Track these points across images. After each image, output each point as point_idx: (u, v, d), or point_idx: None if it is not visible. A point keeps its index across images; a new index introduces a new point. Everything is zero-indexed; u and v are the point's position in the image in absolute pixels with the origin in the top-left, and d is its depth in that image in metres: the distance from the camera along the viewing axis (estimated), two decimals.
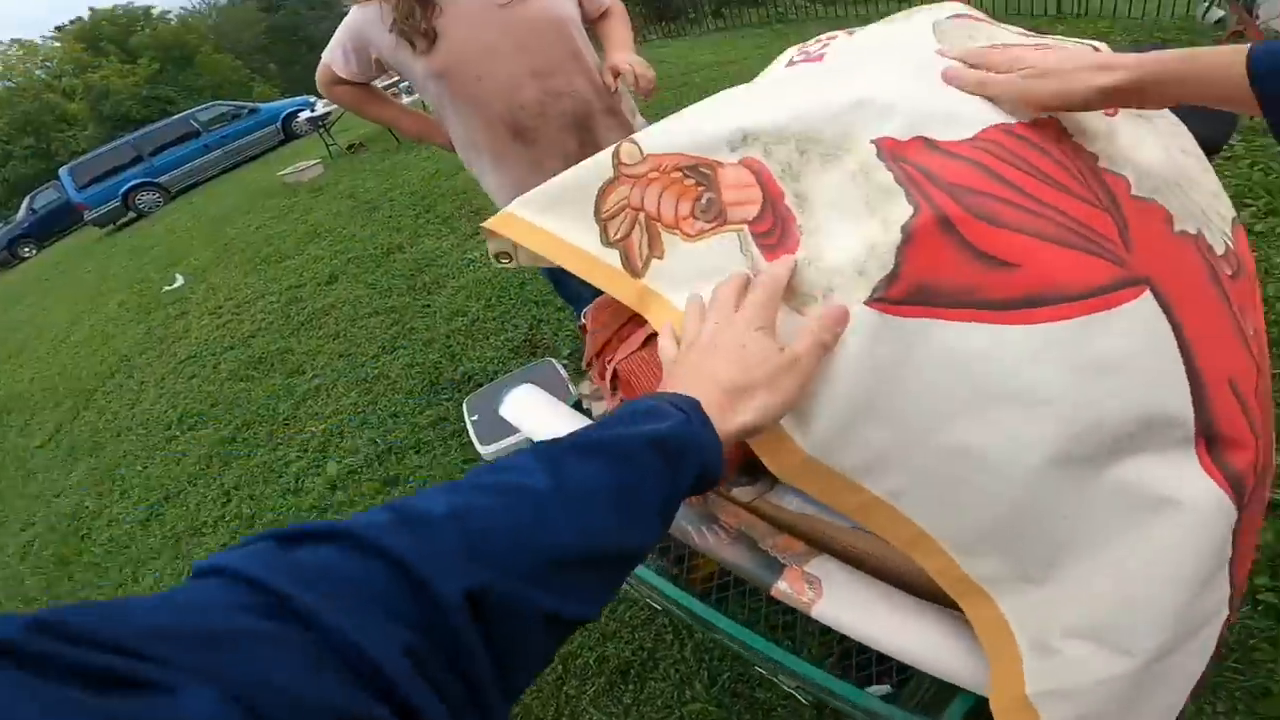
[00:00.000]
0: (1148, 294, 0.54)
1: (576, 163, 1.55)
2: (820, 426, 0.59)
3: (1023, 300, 0.54)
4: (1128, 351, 0.53)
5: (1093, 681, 0.55)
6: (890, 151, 0.61)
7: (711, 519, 0.86)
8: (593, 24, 1.70)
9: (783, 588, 0.74)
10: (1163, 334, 0.53)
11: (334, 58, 1.58)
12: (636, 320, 1.00)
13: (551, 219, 0.83)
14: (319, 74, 1.64)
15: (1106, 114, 0.74)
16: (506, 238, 0.85)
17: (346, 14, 1.54)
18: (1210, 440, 0.54)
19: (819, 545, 0.81)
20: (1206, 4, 5.56)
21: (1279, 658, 1.26)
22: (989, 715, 0.63)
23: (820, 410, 0.58)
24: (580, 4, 1.62)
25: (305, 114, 11.45)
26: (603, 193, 0.79)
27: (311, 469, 2.61)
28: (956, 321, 0.55)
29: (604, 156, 0.80)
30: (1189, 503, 0.53)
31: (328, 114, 9.64)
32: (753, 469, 0.85)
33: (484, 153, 1.63)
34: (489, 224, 0.89)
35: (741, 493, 0.86)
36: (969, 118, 0.62)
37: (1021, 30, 1.01)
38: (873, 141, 0.62)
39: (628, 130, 1.65)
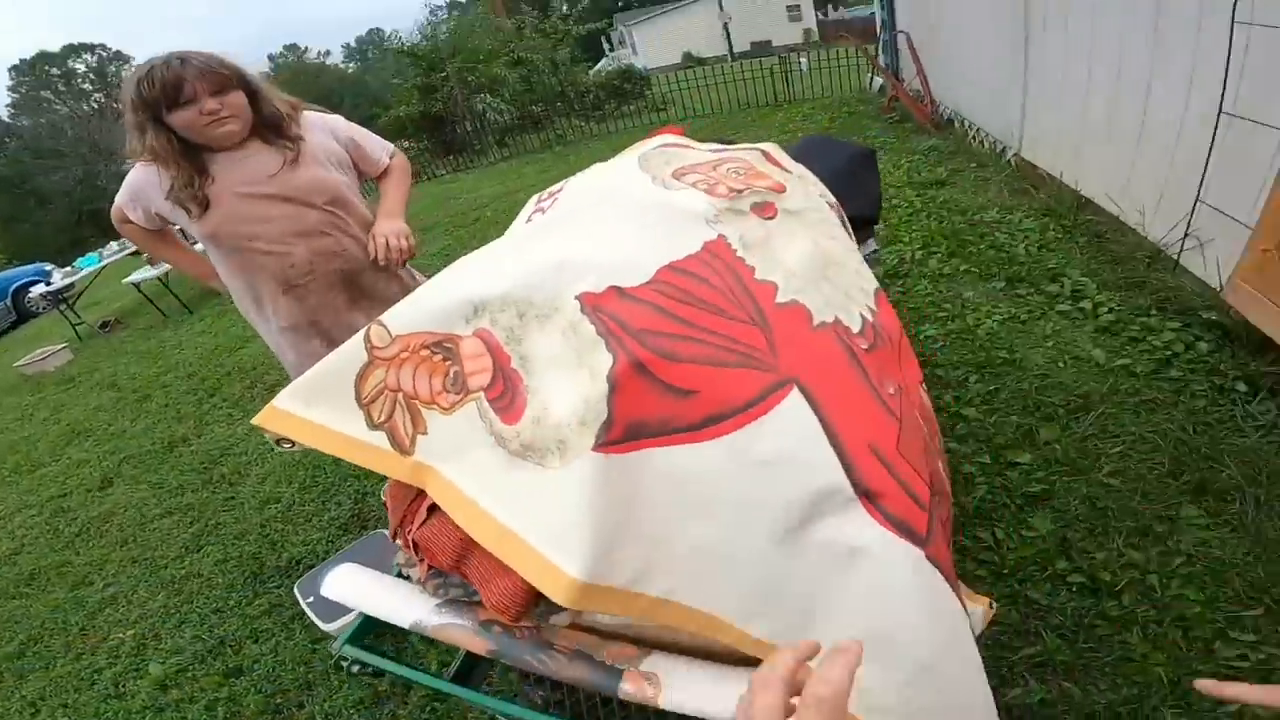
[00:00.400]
0: (794, 391, 0.67)
1: (348, 316, 1.55)
2: (585, 556, 0.65)
3: (704, 421, 0.65)
4: (783, 445, 0.65)
5: (895, 698, 0.66)
6: (591, 305, 0.73)
7: (546, 645, 0.88)
8: (374, 182, 1.80)
9: (627, 689, 0.77)
10: (808, 422, 0.66)
11: (123, 201, 1.61)
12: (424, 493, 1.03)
13: (317, 410, 0.84)
14: (113, 211, 1.65)
15: (765, 217, 0.95)
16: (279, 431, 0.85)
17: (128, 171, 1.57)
18: (868, 496, 0.66)
19: (647, 645, 0.87)
20: (870, 76, 7.11)
21: (1116, 630, 1.45)
22: None
23: (579, 545, 0.65)
24: (355, 166, 1.70)
25: (41, 287, 9.00)
26: (360, 377, 0.83)
27: (130, 672, 2.32)
28: (664, 447, 0.65)
29: (357, 341, 0.84)
30: (871, 546, 0.65)
31: (70, 286, 7.77)
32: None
33: (259, 306, 1.67)
34: (258, 420, 0.88)
35: (559, 618, 0.89)
36: (646, 264, 0.77)
37: (715, 146, 1.25)
38: (576, 298, 0.74)
39: (402, 285, 1.74)
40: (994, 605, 1.14)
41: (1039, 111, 3.56)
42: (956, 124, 5.09)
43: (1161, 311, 2.29)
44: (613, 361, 0.67)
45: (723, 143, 1.34)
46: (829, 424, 0.66)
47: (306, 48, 60.49)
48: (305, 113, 1.63)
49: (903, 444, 0.71)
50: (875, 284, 0.98)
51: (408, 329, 0.81)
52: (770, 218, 0.92)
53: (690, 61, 26.64)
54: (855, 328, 0.83)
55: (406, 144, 12.05)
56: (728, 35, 27.44)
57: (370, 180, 1.80)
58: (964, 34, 4.68)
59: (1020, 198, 3.52)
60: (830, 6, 30.12)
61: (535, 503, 0.68)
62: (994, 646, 1.43)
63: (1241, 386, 1.92)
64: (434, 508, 0.85)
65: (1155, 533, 1.58)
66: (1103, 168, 2.91)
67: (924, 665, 0.65)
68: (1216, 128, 2.12)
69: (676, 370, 0.67)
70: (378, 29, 60.36)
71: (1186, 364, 2.07)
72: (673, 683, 0.76)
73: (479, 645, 0.80)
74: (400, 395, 0.80)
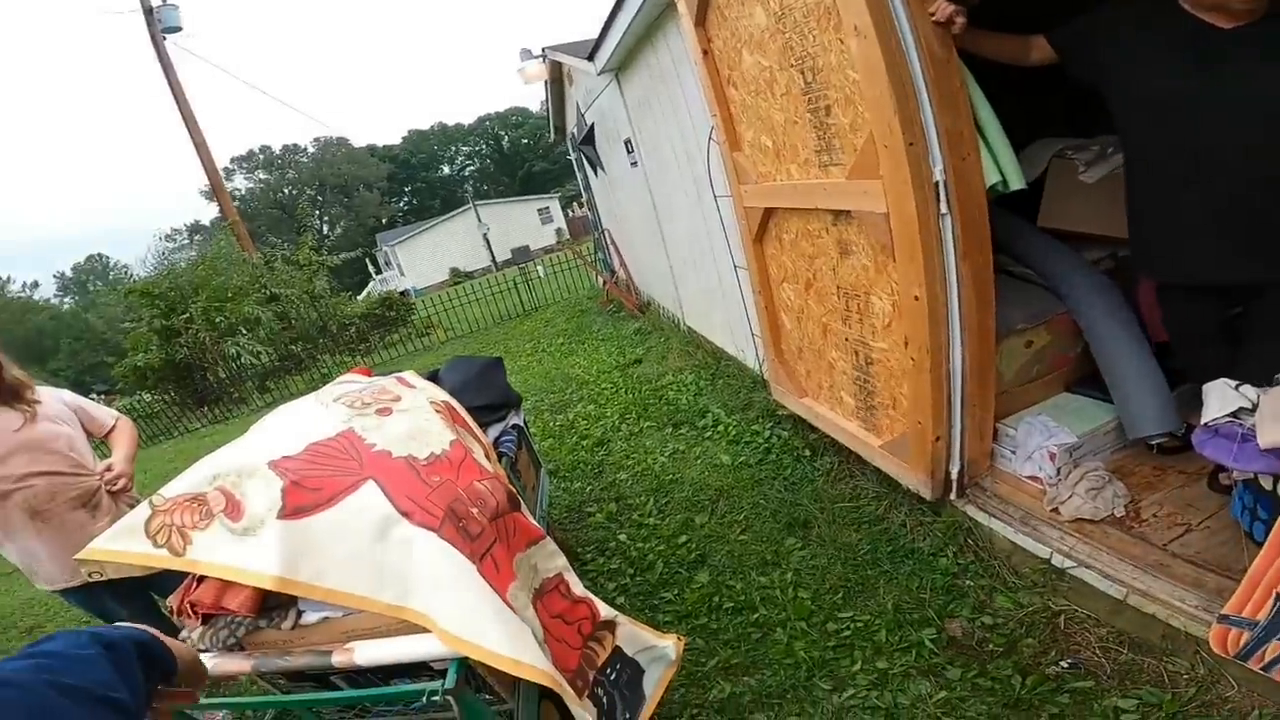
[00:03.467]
0: (370, 481, 1.49)
1: (90, 528, 2.12)
2: (278, 566, 1.33)
3: (330, 499, 1.44)
4: (366, 501, 1.44)
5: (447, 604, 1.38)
6: (272, 465, 1.50)
7: (285, 653, 1.47)
8: (104, 439, 2.40)
9: (336, 660, 1.38)
10: (375, 491, 1.46)
11: None
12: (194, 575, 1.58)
13: (121, 544, 1.45)
14: None
15: (382, 415, 1.82)
16: (95, 560, 1.44)
17: None
18: (405, 515, 1.44)
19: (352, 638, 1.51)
20: (597, 275, 9.00)
21: (764, 632, 2.35)
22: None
23: (276, 561, 1.34)
24: (83, 426, 2.30)
25: None
26: (148, 522, 1.46)
27: None
28: (315, 514, 1.41)
29: (143, 506, 1.49)
30: (412, 536, 1.41)
31: None
32: (268, 607, 1.50)
33: (10, 533, 2.13)
34: (82, 555, 1.45)
35: (286, 626, 1.50)
36: (300, 443, 1.58)
37: (372, 379, 2.15)
38: (266, 463, 1.50)
39: (131, 501, 2.31)
40: (682, 638, 1.93)
41: (683, 287, 5.23)
42: (652, 304, 6.83)
43: (762, 418, 3.61)
44: (283, 483, 1.46)
45: (392, 374, 2.25)
46: (386, 490, 1.48)
47: (9, 277, 52.82)
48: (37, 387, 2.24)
49: (430, 497, 1.51)
50: (451, 438, 1.81)
51: (176, 493, 1.50)
52: (386, 415, 1.80)
53: (458, 276, 29.19)
54: (422, 457, 1.66)
55: (149, 397, 11.16)
56: (489, 245, 30.70)
57: (99, 440, 2.40)
58: (634, 228, 6.49)
59: (688, 358, 5.01)
60: (575, 204, 35.11)
61: (254, 552, 1.37)
62: (691, 664, 2.13)
63: (808, 452, 3.15)
64: (200, 579, 1.48)
65: (772, 562, 2.51)
66: (719, 324, 4.47)
67: (449, 582, 1.38)
68: (738, 279, 3.58)
69: (312, 481, 1.48)
70: (99, 255, 55.48)
71: (778, 448, 3.30)
72: (361, 649, 1.40)
73: (245, 667, 1.42)
74: (174, 527, 1.46)
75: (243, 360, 11.05)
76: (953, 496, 2.22)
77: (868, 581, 2.23)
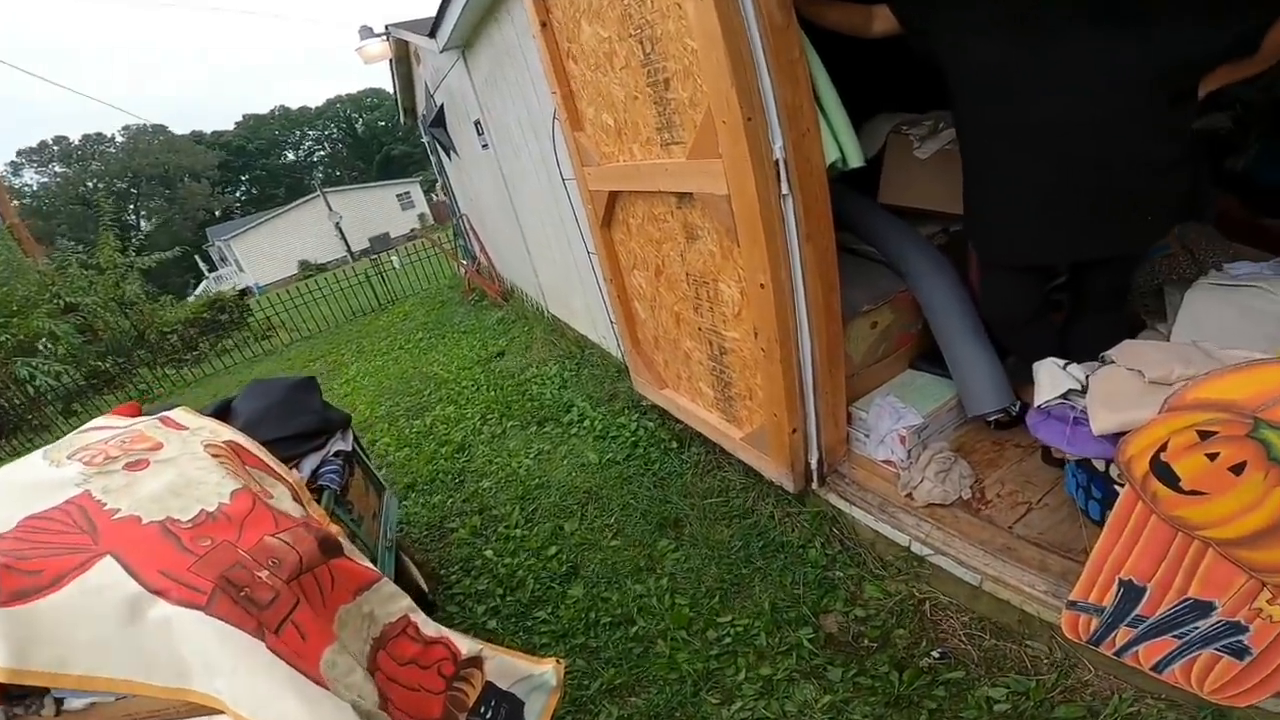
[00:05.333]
0: (108, 556, 1.19)
1: None
2: (6, 656, 1.06)
3: (54, 580, 1.13)
4: (104, 580, 1.16)
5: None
6: None
7: None
8: None
9: None
10: (115, 567, 1.18)
11: None
12: None
13: None
14: None
15: (135, 470, 1.44)
16: None
17: None
18: (159, 593, 1.17)
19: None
20: (458, 262, 8.49)
21: (646, 646, 2.23)
22: None
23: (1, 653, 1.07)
24: None
25: None
26: None
27: None
28: (41, 599, 1.11)
29: None
30: (170, 616, 1.15)
31: None
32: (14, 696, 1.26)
33: None
34: None
35: (47, 714, 1.25)
36: (11, 519, 1.23)
37: (130, 422, 1.72)
38: None
39: None
40: (561, 661, 1.71)
41: (543, 274, 4.98)
42: (515, 291, 6.52)
43: (628, 409, 3.46)
44: None
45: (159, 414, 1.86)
46: (129, 565, 1.20)
47: None
48: None
49: (193, 568, 1.24)
50: (233, 487, 1.49)
51: None
52: (139, 470, 1.45)
53: (308, 270, 26.84)
54: (187, 518, 1.35)
55: None
56: (342, 235, 28.51)
57: None
58: (490, 213, 6.13)
59: (552, 348, 4.77)
60: (439, 188, 33.54)
61: None
62: (574, 687, 1.98)
63: (675, 444, 3.04)
64: None
65: (647, 568, 2.38)
66: (580, 311, 4.27)
67: (229, 667, 1.15)
68: (593, 265, 3.40)
69: (28, 564, 1.16)
70: None
71: (646, 441, 3.17)
72: None
73: None
74: None
75: (38, 383, 9.47)
76: (815, 486, 2.18)
77: (743, 580, 2.17)
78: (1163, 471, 1.19)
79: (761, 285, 1.74)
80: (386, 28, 6.79)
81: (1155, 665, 1.35)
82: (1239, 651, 1.23)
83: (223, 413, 2.05)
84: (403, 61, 7.51)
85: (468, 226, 7.51)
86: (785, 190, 1.66)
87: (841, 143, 1.77)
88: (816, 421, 2.00)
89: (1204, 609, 1.25)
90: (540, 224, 4.40)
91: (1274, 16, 1.31)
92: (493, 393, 4.43)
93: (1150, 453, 1.19)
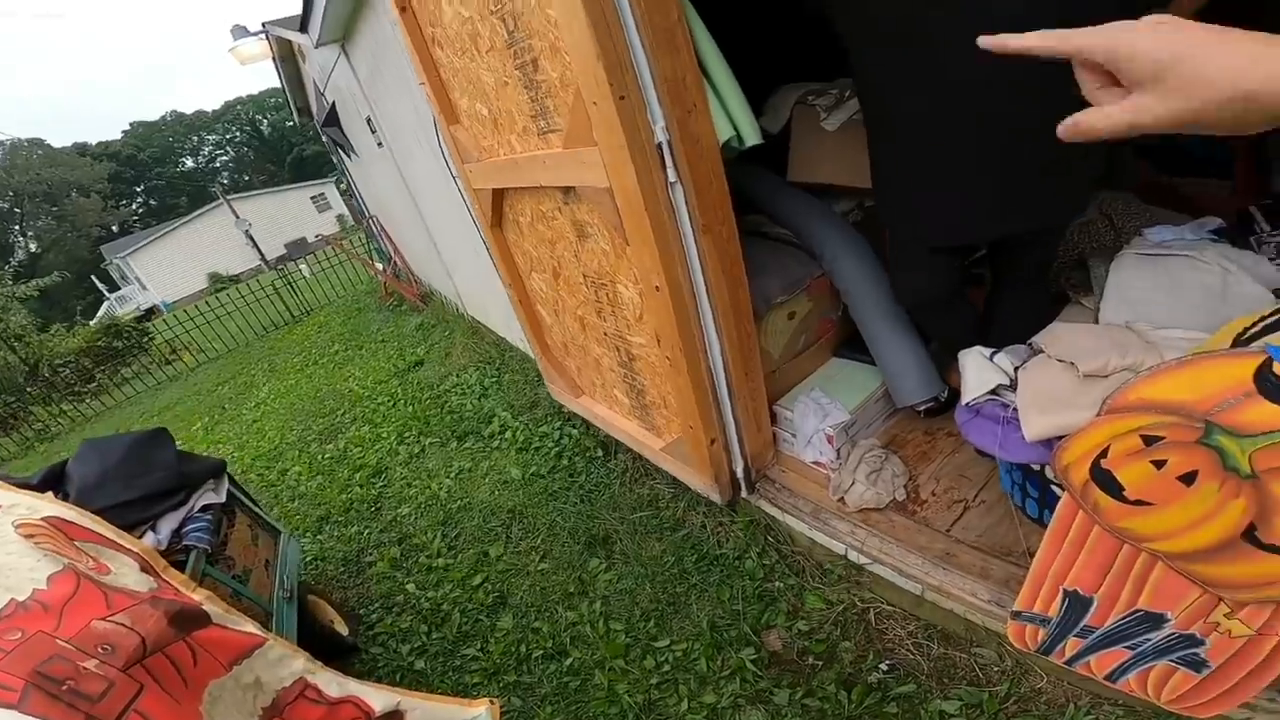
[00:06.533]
0: None
1: None
2: None
3: None
4: None
5: None
6: None
7: None
8: None
9: None
10: None
11: None
12: None
13: None
14: None
15: None
16: None
17: None
18: None
19: None
20: (372, 267, 8.02)
21: (583, 679, 2.00)
22: None
23: None
24: None
25: None
26: None
27: None
28: None
29: None
30: None
31: None
32: None
33: None
34: None
35: None
36: None
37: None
38: None
39: None
40: (495, 701, 1.52)
41: (457, 275, 4.67)
42: (434, 294, 6.16)
43: (550, 417, 3.23)
44: None
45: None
46: None
47: None
48: None
49: (2, 665, 1.07)
50: (52, 569, 1.30)
51: None
52: None
53: (220, 282, 25.31)
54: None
55: None
56: (254, 243, 26.93)
57: None
58: (397, 213, 5.77)
59: (472, 353, 4.48)
60: (349, 192, 32.24)
61: None
62: None
63: (601, 452, 2.84)
64: None
65: (578, 592, 2.20)
66: (496, 313, 4.00)
67: None
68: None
69: None
70: None
71: (570, 450, 2.96)
72: None
73: None
74: None
75: None
76: (744, 494, 2.01)
77: (679, 599, 2.02)
78: (1104, 479, 1.05)
79: (656, 288, 1.53)
80: (264, 25, 6.30)
81: (1109, 675, 1.25)
82: (1196, 664, 1.12)
83: (55, 479, 1.82)
84: (288, 60, 7.00)
85: (379, 228, 7.09)
86: (673, 177, 1.44)
87: (735, 118, 1.54)
88: (737, 428, 1.82)
89: (1156, 621, 1.13)
90: (446, 224, 4.09)
91: None
92: (410, 408, 4.14)
93: (1089, 459, 1.05)
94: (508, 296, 2.78)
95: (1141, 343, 1.09)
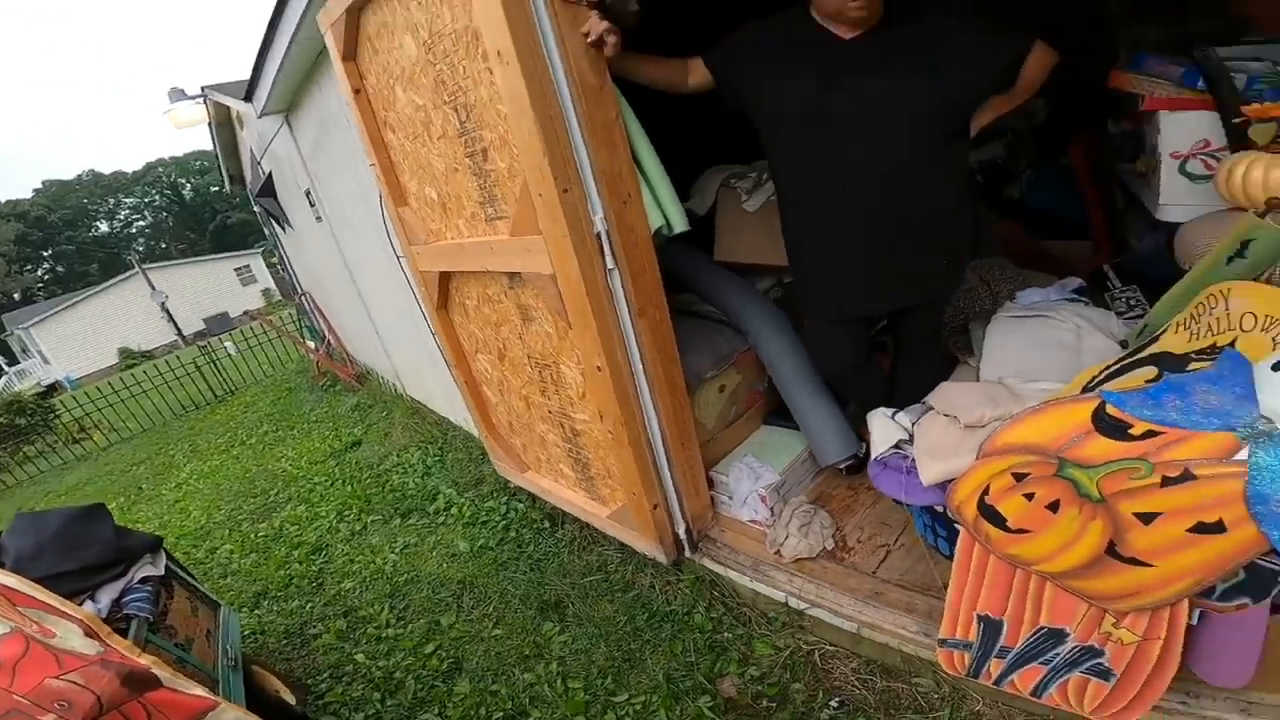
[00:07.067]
0: None
1: None
2: None
3: None
4: None
5: None
6: None
7: None
8: None
9: None
10: None
11: None
12: None
13: None
14: None
15: None
16: None
17: None
18: None
19: None
20: (303, 345, 7.90)
21: None
22: None
23: None
24: None
25: None
26: None
27: None
28: None
29: None
30: None
31: None
32: None
33: None
34: None
35: None
36: None
37: None
38: None
39: None
40: None
41: (395, 355, 4.69)
42: (370, 374, 6.13)
43: (496, 492, 3.27)
44: None
45: None
46: None
47: None
48: None
49: None
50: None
51: None
52: None
53: (131, 358, 24.06)
54: None
55: None
56: (170, 317, 25.78)
57: None
58: (333, 290, 5.75)
59: (413, 433, 4.48)
60: (279, 265, 31.47)
61: None
62: None
63: (548, 523, 2.90)
64: None
65: (534, 654, 2.21)
66: (437, 392, 4.05)
67: None
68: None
69: None
70: None
71: (517, 523, 3.00)
72: None
73: None
74: None
75: None
76: (688, 554, 2.13)
77: (634, 655, 2.07)
78: (990, 513, 1.25)
79: (598, 368, 1.69)
80: (203, 90, 6.27)
81: (1033, 690, 1.39)
82: (1103, 673, 1.28)
83: None
84: (224, 126, 6.95)
85: (312, 305, 7.01)
86: (610, 264, 1.63)
87: (665, 207, 1.76)
88: (677, 494, 1.96)
89: (1058, 636, 1.30)
90: (385, 303, 4.16)
91: (1024, 53, 1.48)
92: (349, 487, 4.07)
93: (976, 497, 1.24)
94: (453, 377, 2.88)
95: (1011, 395, 1.31)
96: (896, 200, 1.50)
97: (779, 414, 2.35)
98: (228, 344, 9.64)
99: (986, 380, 1.50)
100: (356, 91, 2.28)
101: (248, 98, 4.26)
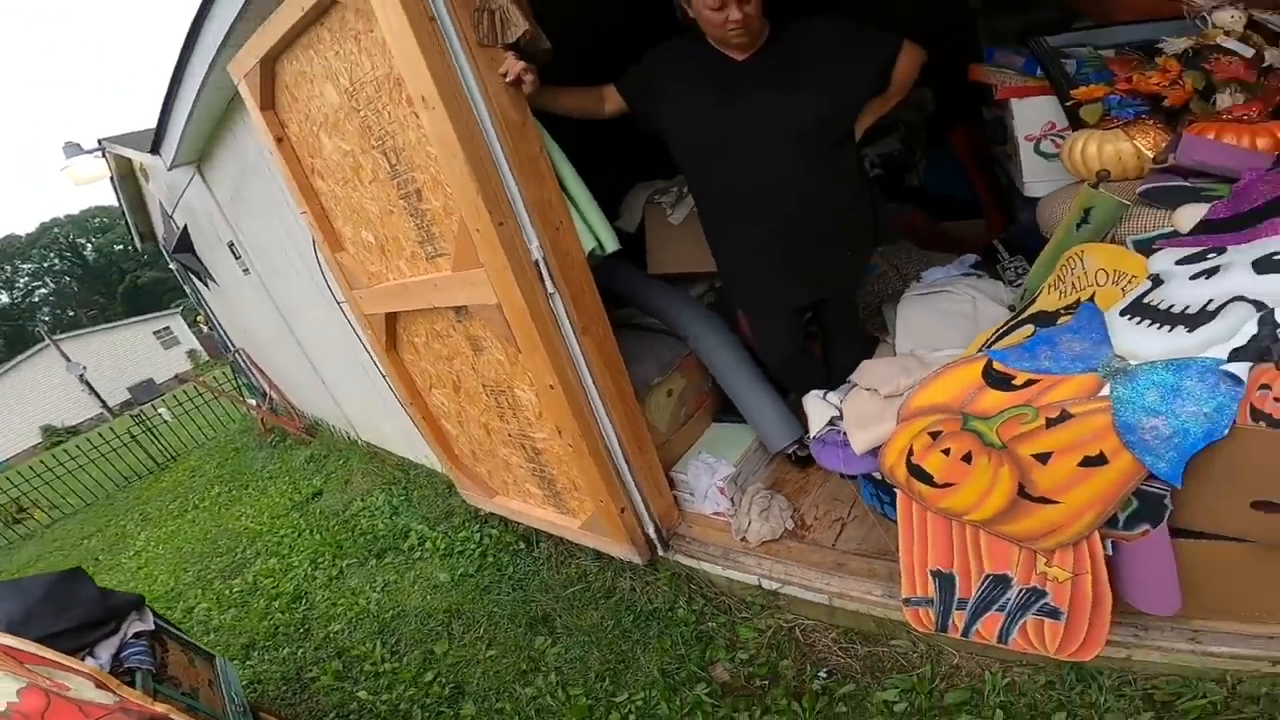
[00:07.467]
0: None
1: None
2: None
3: None
4: None
5: None
6: None
7: None
8: None
9: None
10: None
11: None
12: None
13: None
14: None
15: None
16: None
17: None
18: None
19: None
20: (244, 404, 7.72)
21: None
22: None
23: None
24: None
25: None
26: None
27: None
28: None
29: None
30: None
31: None
32: None
33: None
34: None
35: None
36: None
37: None
38: None
39: None
40: None
41: (345, 402, 4.68)
42: (321, 425, 6.05)
43: (468, 522, 3.34)
44: None
45: None
46: None
47: None
48: None
49: None
50: (17, 687, 1.38)
51: None
52: None
53: (56, 435, 22.72)
54: None
55: None
56: (92, 389, 24.45)
57: None
58: (269, 344, 5.64)
59: (375, 477, 4.50)
60: (204, 323, 30.16)
61: None
62: None
63: (523, 544, 2.98)
64: None
65: (531, 669, 2.30)
66: (393, 434, 4.08)
67: None
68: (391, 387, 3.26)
69: None
70: None
71: (494, 548, 3.07)
72: None
73: None
74: None
75: None
76: (661, 552, 2.25)
77: (626, 656, 2.18)
78: (918, 472, 1.40)
79: (551, 386, 1.80)
80: (100, 143, 5.98)
81: (998, 637, 1.49)
82: (1052, 613, 1.39)
83: None
84: (128, 179, 6.64)
85: (247, 362, 6.85)
86: (551, 289, 1.74)
87: (595, 230, 1.89)
88: (641, 496, 2.09)
89: (1004, 582, 1.42)
90: (328, 351, 4.14)
91: (895, 55, 1.65)
92: (318, 535, 4.07)
93: (903, 459, 1.41)
94: (409, 415, 2.94)
95: (921, 365, 1.49)
96: (795, 206, 1.68)
97: (727, 410, 2.51)
98: (162, 410, 9.30)
99: (901, 354, 1.69)
100: (279, 140, 2.31)
101: (154, 150, 4.07)
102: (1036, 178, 1.82)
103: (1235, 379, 1.04)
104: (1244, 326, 1.06)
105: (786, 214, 1.69)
